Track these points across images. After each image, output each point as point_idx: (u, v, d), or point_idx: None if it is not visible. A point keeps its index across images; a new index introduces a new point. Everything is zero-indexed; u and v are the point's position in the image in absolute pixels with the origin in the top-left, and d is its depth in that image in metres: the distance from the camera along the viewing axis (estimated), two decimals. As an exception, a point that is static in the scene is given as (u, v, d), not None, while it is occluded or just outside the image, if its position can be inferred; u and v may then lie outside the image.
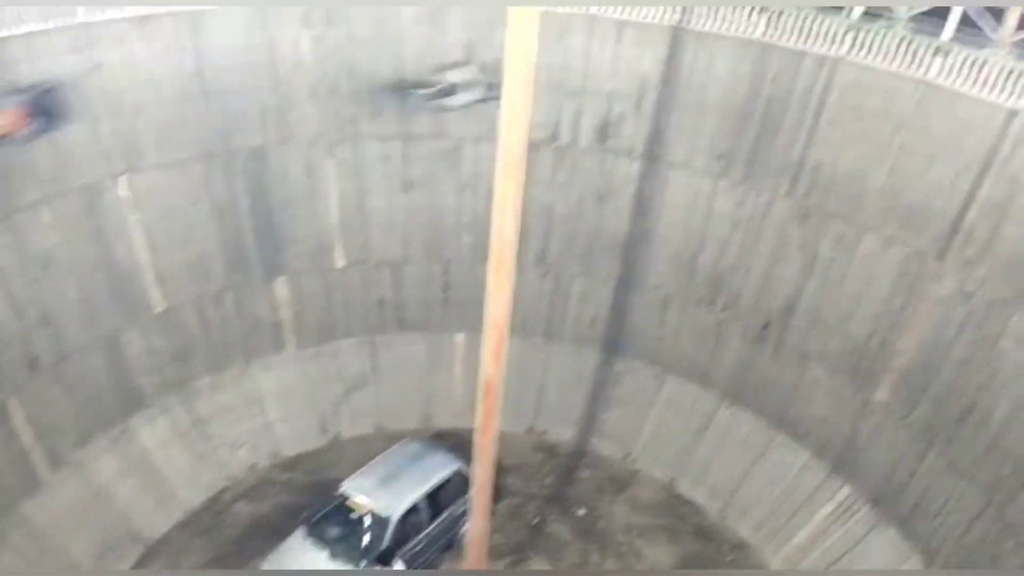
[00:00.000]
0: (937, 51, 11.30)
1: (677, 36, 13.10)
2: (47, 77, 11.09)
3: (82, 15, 11.26)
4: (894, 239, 12.24)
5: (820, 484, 13.76)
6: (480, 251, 14.08)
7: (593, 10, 13.29)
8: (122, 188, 12.52)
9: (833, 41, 12.12)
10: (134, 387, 13.65)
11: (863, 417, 13.14)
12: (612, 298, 15.49)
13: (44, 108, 11.00)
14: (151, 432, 13.91)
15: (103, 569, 12.67)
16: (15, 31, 10.71)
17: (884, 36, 11.70)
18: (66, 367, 12.50)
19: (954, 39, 11.39)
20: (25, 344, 11.85)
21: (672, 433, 15.43)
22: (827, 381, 13.56)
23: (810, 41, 12.29)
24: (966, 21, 11.38)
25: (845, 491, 13.46)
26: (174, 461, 14.10)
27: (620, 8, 13.23)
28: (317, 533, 12.62)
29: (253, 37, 12.83)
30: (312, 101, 13.69)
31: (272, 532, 13.25)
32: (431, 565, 13.41)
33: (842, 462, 13.54)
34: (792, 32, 12.40)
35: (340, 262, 15.20)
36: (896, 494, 12.73)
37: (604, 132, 14.25)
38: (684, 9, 12.90)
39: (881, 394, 12.87)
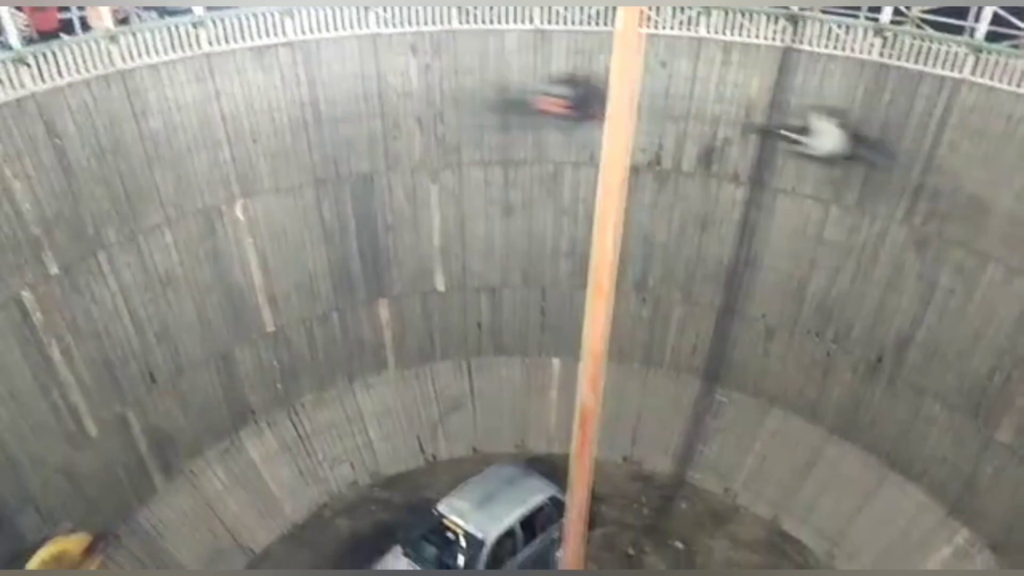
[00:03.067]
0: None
1: (786, 57, 12.81)
2: (589, 74, 13.12)
3: (204, 46, 11.90)
4: (1020, 270, 11.52)
5: (936, 526, 12.99)
6: (578, 277, 14.07)
7: (701, 31, 13.15)
8: (238, 211, 13.10)
9: (954, 62, 11.60)
10: (244, 402, 14.19)
11: (984, 458, 12.36)
12: (714, 326, 15.14)
13: (583, 101, 12.96)
14: (259, 446, 14.41)
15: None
16: (143, 61, 11.42)
17: (1009, 57, 11.11)
18: (181, 382, 13.11)
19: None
20: (145, 359, 12.49)
21: (776, 468, 14.87)
22: (945, 419, 12.83)
23: (929, 62, 11.79)
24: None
25: (964, 534, 12.68)
26: (279, 475, 14.54)
27: (728, 29, 13.04)
28: (413, 552, 12.73)
29: (364, 66, 13.28)
30: (418, 128, 14.03)
31: (370, 549, 13.43)
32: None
33: (961, 504, 12.75)
34: (910, 53, 11.94)
35: (440, 286, 15.43)
36: (1019, 539, 11.87)
37: (708, 157, 14.02)
38: (795, 28, 12.60)
39: (1004, 434, 12.08)
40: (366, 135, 13.79)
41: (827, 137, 12.54)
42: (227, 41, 12.15)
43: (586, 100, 13.03)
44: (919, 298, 12.76)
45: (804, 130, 12.81)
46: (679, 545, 14.38)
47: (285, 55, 12.68)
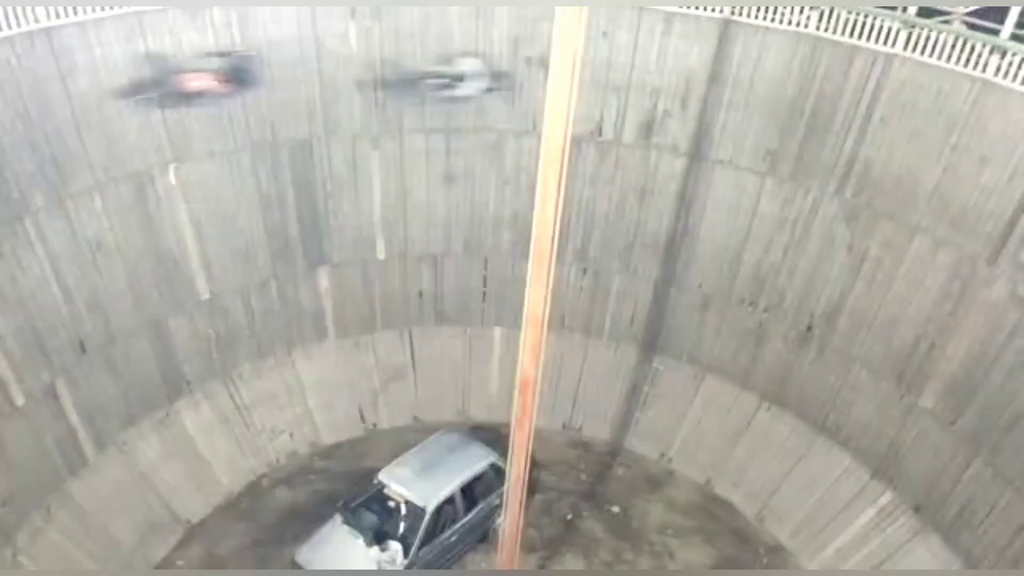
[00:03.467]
0: (995, 49, 11.00)
1: (727, 29, 12.93)
2: (246, 46, 12.49)
3: (135, 4, 11.46)
4: (945, 241, 11.95)
5: (861, 489, 13.52)
6: (520, 246, 14.14)
7: (642, 1, 13.16)
8: (171, 176, 12.74)
9: (887, 37, 11.86)
10: (179, 372, 13.92)
11: (907, 423, 12.87)
12: (652, 296, 15.39)
13: (238, 73, 12.35)
14: (194, 417, 14.18)
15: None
16: (71, 19, 10.95)
17: (940, 34, 11.42)
18: (113, 351, 12.78)
19: (1013, 37, 11.07)
20: (75, 327, 12.13)
21: (710, 434, 15.28)
22: (871, 385, 13.30)
23: (863, 36, 12.05)
24: (1025, 19, 11.06)
25: (887, 497, 13.21)
26: (216, 446, 14.35)
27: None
28: (353, 521, 12.75)
29: (301, 29, 12.97)
30: (358, 94, 13.79)
31: (309, 519, 13.41)
32: (464, 557, 13.47)
33: (884, 468, 13.28)
34: (845, 27, 12.17)
35: (381, 254, 15.32)
36: (940, 502, 12.45)
37: (649, 128, 14.13)
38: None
39: (927, 400, 12.59)
40: (304, 100, 13.49)
41: (476, 79, 13.34)
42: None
43: (239, 71, 12.45)
44: (849, 268, 13.13)
45: (455, 75, 13.40)
46: (615, 509, 14.70)
47: (219, 15, 12.27)
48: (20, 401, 11.44)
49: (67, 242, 11.72)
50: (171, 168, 12.70)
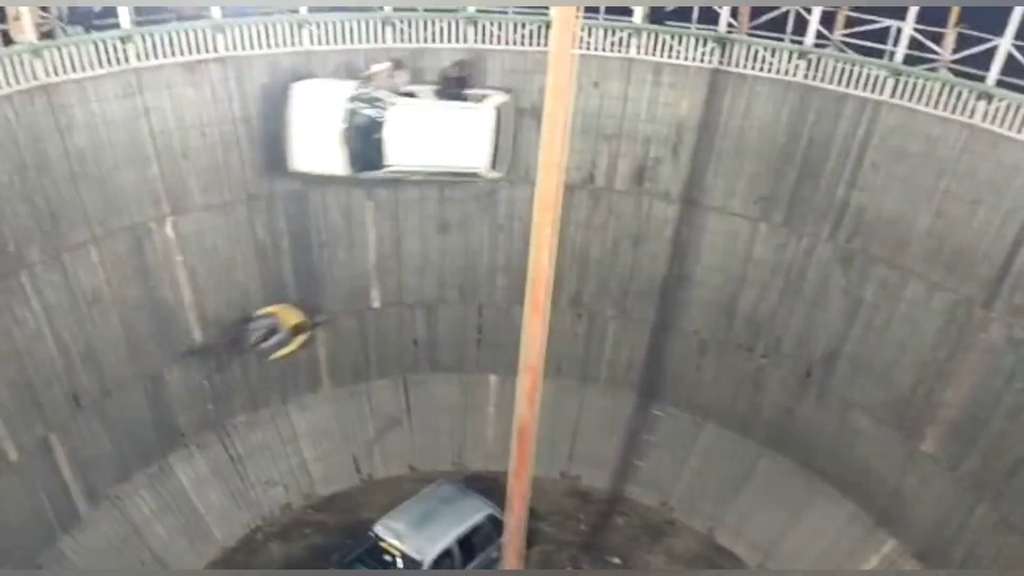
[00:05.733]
0: (981, 96, 11.16)
1: (716, 78, 13.13)
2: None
3: (133, 61, 11.64)
4: (940, 285, 11.98)
5: (865, 536, 13.34)
6: (515, 293, 14.10)
7: (632, 52, 13.38)
8: (168, 229, 12.80)
9: (875, 85, 12.04)
10: (174, 424, 13.83)
11: (909, 469, 12.76)
12: (648, 342, 15.34)
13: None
14: (188, 469, 14.04)
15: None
16: (70, 76, 11.12)
17: (927, 80, 11.60)
18: (108, 403, 12.72)
19: (998, 83, 11.24)
20: (69, 380, 12.08)
21: (711, 482, 15.09)
22: (872, 431, 13.21)
23: (852, 84, 12.22)
24: (1011, 67, 11.22)
25: (890, 545, 13.05)
26: (210, 499, 14.17)
27: (658, 50, 13.29)
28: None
29: (296, 82, 13.13)
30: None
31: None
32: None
33: (888, 514, 13.13)
34: (834, 75, 12.35)
35: (376, 302, 15.31)
36: (944, 548, 12.28)
37: (640, 175, 14.24)
38: (723, 50, 12.93)
39: (928, 445, 12.49)
40: (300, 151, 13.62)
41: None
42: (156, 56, 11.91)
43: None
44: (845, 313, 13.13)
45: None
46: (616, 560, 14.46)
47: (216, 70, 12.47)
48: (13, 456, 11.37)
49: (63, 295, 11.75)
50: (168, 221, 12.77)
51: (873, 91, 12.08)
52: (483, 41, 13.66)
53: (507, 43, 13.67)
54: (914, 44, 11.97)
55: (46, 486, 11.92)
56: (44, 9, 11.37)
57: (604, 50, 13.46)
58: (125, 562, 12.83)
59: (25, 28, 10.82)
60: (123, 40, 11.53)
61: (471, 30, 13.58)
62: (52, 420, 11.93)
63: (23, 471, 11.51)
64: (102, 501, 12.84)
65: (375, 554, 12.66)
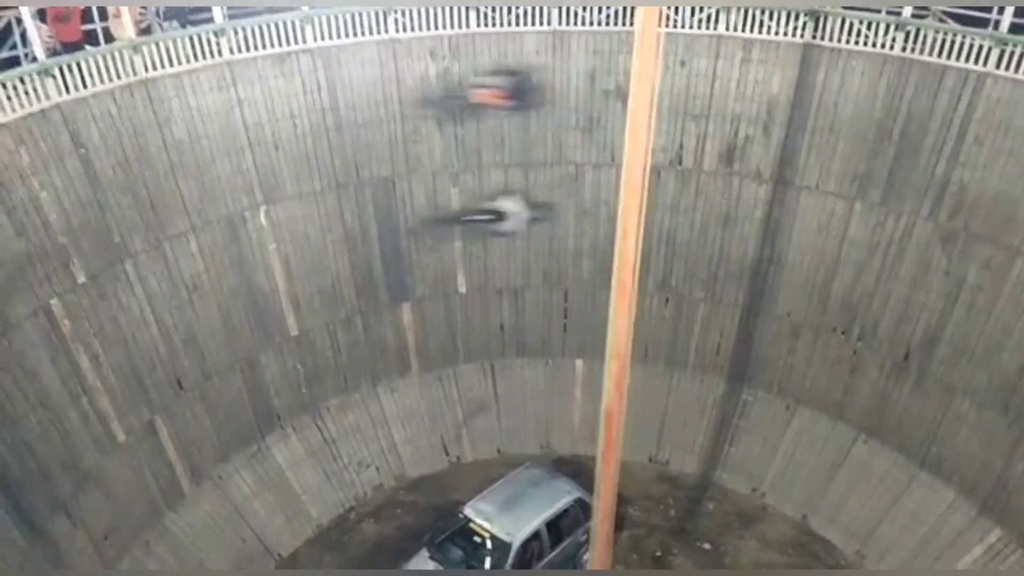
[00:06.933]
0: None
1: (808, 53, 12.70)
2: (526, 66, 13.55)
3: (226, 55, 12.00)
4: (1049, 264, 11.36)
5: (967, 525, 12.81)
6: (601, 277, 14.06)
7: (720, 29, 13.07)
8: (262, 217, 13.20)
9: (979, 56, 11.44)
10: (270, 407, 14.28)
11: (1016, 455, 12.17)
12: (738, 325, 15.04)
13: (519, 92, 13.31)
14: (285, 450, 14.49)
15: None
16: (168, 70, 11.58)
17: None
18: (208, 387, 13.22)
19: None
20: (172, 365, 12.61)
21: (804, 468, 14.74)
22: (975, 416, 12.66)
23: (953, 56, 11.65)
24: None
25: (996, 534, 12.50)
26: (305, 479, 14.62)
27: (747, 26, 12.95)
28: (440, 555, 12.74)
29: (383, 71, 13.35)
30: (438, 132, 14.06)
31: (396, 552, 13.49)
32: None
33: (992, 502, 12.57)
34: (934, 46, 11.80)
35: (462, 288, 15.46)
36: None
37: (730, 155, 13.93)
38: (816, 24, 12.50)
39: (1037, 431, 11.90)
40: (386, 139, 13.85)
41: (517, 215, 14.03)
42: (248, 49, 12.27)
43: (521, 89, 13.37)
44: (946, 295, 12.60)
45: (496, 213, 13.94)
46: (706, 546, 14.28)
47: (305, 61, 12.76)
48: (121, 437, 11.91)
49: (164, 283, 12.24)
50: (262, 210, 13.16)
51: (976, 62, 11.50)
52: (567, 23, 13.57)
53: (591, 24, 13.54)
54: (1020, 12, 11.31)
55: (152, 466, 12.47)
56: (143, 7, 11.83)
57: (691, 28, 13.18)
58: (226, 538, 13.37)
59: (125, 25, 11.27)
60: (216, 34, 11.90)
61: (555, 12, 13.50)
62: (157, 403, 12.47)
63: (131, 451, 12.06)
64: (204, 480, 13.38)
65: (465, 535, 12.85)
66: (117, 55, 11.07)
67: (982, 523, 12.69)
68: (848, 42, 12.44)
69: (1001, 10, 11.42)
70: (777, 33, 12.87)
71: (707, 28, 13.18)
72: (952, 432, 13.00)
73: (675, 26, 13.16)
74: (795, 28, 12.72)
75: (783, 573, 13.44)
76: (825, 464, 14.52)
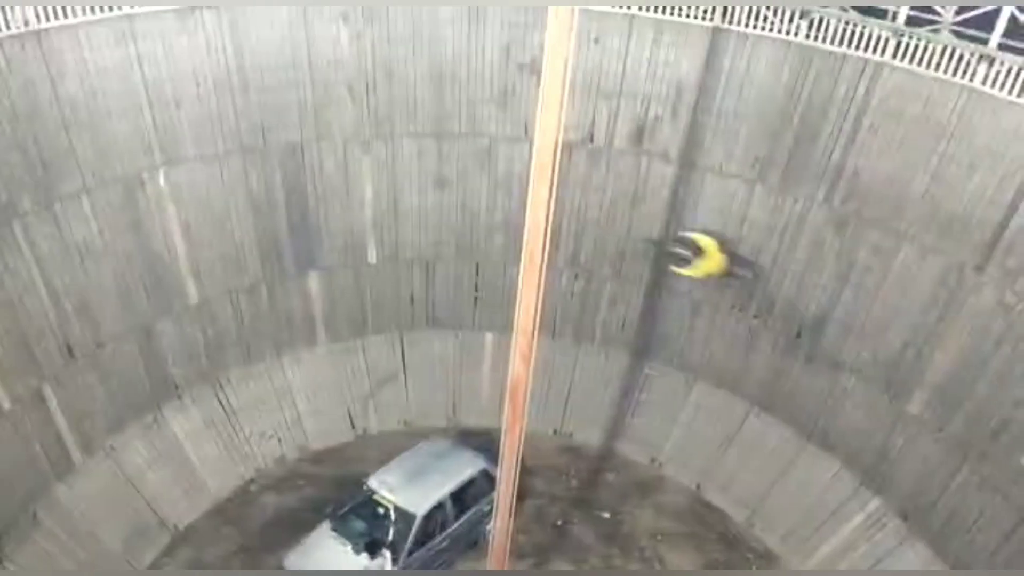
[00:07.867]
0: (983, 58, 11.08)
1: (716, 37, 12.99)
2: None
3: (126, 8, 11.43)
4: (933, 249, 12.02)
5: (850, 495, 13.55)
6: (512, 251, 14.13)
7: (633, 8, 13.22)
8: (161, 179, 12.69)
9: (876, 46, 11.94)
10: (167, 376, 13.84)
11: (896, 429, 12.92)
12: (643, 302, 15.41)
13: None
14: (183, 421, 14.09)
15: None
16: (61, 21, 10.92)
17: (929, 42, 11.50)
18: (101, 355, 12.71)
19: (1000, 46, 11.15)
20: (62, 332, 12.06)
21: (700, 439, 15.30)
22: (860, 392, 13.35)
23: (853, 45, 12.12)
24: (1012, 29, 11.11)
25: (875, 503, 13.26)
26: (204, 451, 14.27)
27: (660, 8, 13.14)
28: (342, 527, 12.70)
29: (293, 33, 12.96)
30: (349, 98, 13.78)
31: (298, 525, 13.34)
32: (454, 563, 13.43)
33: (873, 474, 13.33)
34: (835, 35, 12.24)
35: (372, 258, 15.29)
36: (927, 508, 12.50)
37: (640, 135, 14.17)
38: (726, 9, 12.78)
39: (915, 407, 12.64)
40: (295, 104, 13.48)
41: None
42: (149, 3, 11.68)
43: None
44: (837, 276, 13.18)
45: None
46: (606, 515, 14.69)
47: (211, 19, 12.26)
48: (6, 405, 11.36)
49: (55, 245, 11.65)
50: (161, 171, 12.65)
51: (874, 52, 11.97)
52: (482, -6, 13.47)
53: (506, -4, 13.48)
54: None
55: (40, 435, 11.94)
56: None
57: (605, 6, 13.28)
58: (119, 509, 12.94)
59: (16, -28, 10.60)
60: (116, -14, 11.32)
61: (470, -18, 13.38)
62: (46, 371, 11.92)
63: (16, 420, 11.51)
64: (97, 451, 12.89)
65: (369, 507, 12.82)
66: (7, 3, 10.38)
67: (863, 493, 13.41)
68: (755, 28, 12.77)
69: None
70: (688, 15, 13.10)
71: (620, 7, 13.30)
72: (839, 407, 13.68)
73: (589, 3, 13.22)
74: (704, 12, 12.97)
75: (778, 572, 13.83)
76: (720, 436, 15.10)
